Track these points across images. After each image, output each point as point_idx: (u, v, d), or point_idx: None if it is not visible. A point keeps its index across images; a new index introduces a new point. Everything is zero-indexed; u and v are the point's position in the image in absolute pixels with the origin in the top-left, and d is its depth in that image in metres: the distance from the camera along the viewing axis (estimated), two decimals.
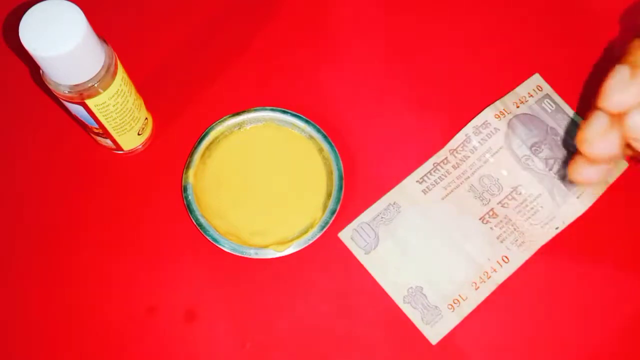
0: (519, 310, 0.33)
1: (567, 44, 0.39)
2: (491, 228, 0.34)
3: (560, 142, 0.36)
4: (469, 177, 0.36)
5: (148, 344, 0.33)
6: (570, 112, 0.37)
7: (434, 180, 0.35)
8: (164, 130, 0.37)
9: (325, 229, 0.34)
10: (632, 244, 0.35)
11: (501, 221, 0.35)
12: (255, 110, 0.36)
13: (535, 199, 0.35)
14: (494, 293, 0.33)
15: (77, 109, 0.31)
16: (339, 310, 0.33)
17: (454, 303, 0.33)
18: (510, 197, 0.35)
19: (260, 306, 0.33)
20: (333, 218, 0.34)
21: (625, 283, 0.34)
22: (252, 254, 0.33)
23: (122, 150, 0.36)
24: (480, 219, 0.35)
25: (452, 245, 0.34)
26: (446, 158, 0.36)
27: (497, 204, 0.35)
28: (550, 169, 0.36)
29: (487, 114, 0.37)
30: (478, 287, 0.33)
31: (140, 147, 0.36)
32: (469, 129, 0.36)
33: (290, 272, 0.34)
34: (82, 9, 0.27)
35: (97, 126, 0.32)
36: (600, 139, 0.29)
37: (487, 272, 0.33)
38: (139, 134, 0.35)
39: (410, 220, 0.35)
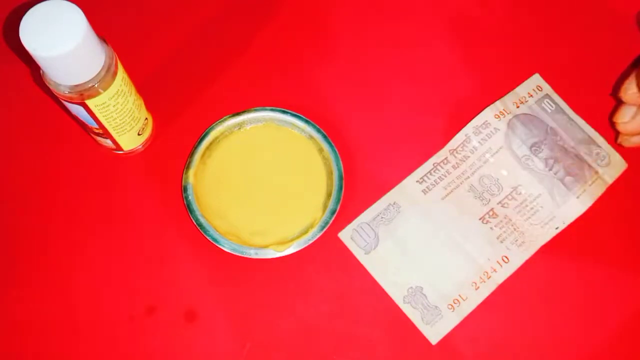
0: (519, 310, 0.33)
1: (567, 44, 0.39)
2: (491, 228, 0.34)
3: (560, 142, 0.36)
4: (468, 177, 0.36)
5: (148, 344, 0.33)
6: (570, 112, 0.37)
7: (434, 180, 0.35)
8: (164, 131, 0.37)
9: (325, 229, 0.34)
10: (632, 244, 0.35)
11: (501, 221, 0.35)
12: (255, 110, 0.36)
13: (535, 199, 0.35)
14: (494, 293, 0.33)
15: (77, 109, 0.31)
16: (339, 310, 0.33)
17: (454, 303, 0.33)
18: (510, 197, 0.35)
19: (260, 306, 0.33)
20: (333, 218, 0.34)
21: (625, 283, 0.34)
22: (252, 254, 0.33)
23: (122, 150, 0.36)
24: (480, 219, 0.35)
25: (452, 245, 0.34)
26: (446, 158, 0.36)
27: (497, 204, 0.35)
28: (550, 169, 0.36)
29: (487, 114, 0.37)
30: (478, 287, 0.33)
31: (141, 147, 0.36)
32: (469, 129, 0.36)
33: (290, 272, 0.34)
34: (82, 9, 0.27)
35: (97, 126, 0.32)
36: (631, 123, 0.35)
37: (487, 272, 0.34)
38: (139, 134, 0.35)
39: (410, 220, 0.35)
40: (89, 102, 0.30)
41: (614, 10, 0.41)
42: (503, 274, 0.34)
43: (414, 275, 0.34)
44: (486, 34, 0.40)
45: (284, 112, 0.36)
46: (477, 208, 0.35)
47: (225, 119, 0.36)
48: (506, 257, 0.34)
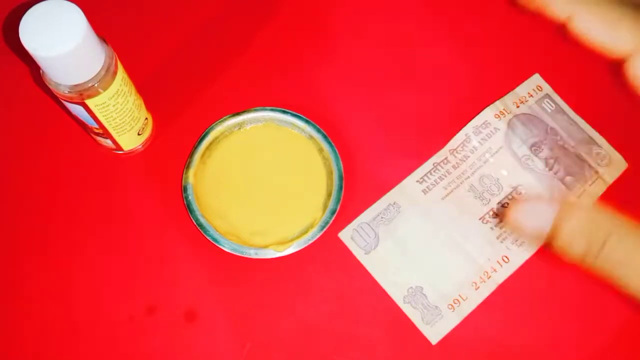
0: (519, 310, 0.33)
1: (567, 44, 0.39)
2: (491, 228, 0.34)
3: (560, 142, 0.36)
4: (468, 177, 0.36)
5: (148, 344, 0.33)
6: (571, 112, 0.37)
7: (434, 180, 0.35)
8: (164, 130, 0.37)
9: (325, 229, 0.34)
10: None
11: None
12: (255, 110, 0.36)
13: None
14: (494, 293, 0.33)
15: (77, 109, 0.31)
16: (339, 310, 0.33)
17: (454, 303, 0.33)
18: (510, 196, 0.35)
19: (260, 306, 0.33)
20: (333, 218, 0.34)
21: None
22: (252, 254, 0.33)
23: (122, 150, 0.36)
24: (480, 219, 0.35)
25: (452, 245, 0.34)
26: (446, 158, 0.36)
27: (497, 203, 0.35)
28: (550, 169, 0.36)
29: (487, 114, 0.37)
30: (478, 287, 0.33)
31: (140, 147, 0.36)
32: (469, 128, 0.36)
33: (290, 272, 0.34)
34: (82, 9, 0.27)
35: (97, 126, 0.32)
36: None
37: (487, 272, 0.33)
38: (139, 134, 0.35)
39: (410, 220, 0.35)
40: (88, 102, 0.30)
41: None
42: (503, 273, 0.34)
43: (414, 275, 0.34)
44: (486, 34, 0.40)
45: (284, 112, 0.36)
46: (477, 208, 0.35)
47: (225, 119, 0.36)
48: (506, 257, 0.34)
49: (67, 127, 0.37)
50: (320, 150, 0.36)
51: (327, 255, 0.34)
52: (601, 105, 0.37)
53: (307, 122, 0.36)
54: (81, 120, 0.32)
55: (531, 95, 0.37)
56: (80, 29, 0.27)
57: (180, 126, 0.37)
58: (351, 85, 0.38)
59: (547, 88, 0.38)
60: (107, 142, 0.35)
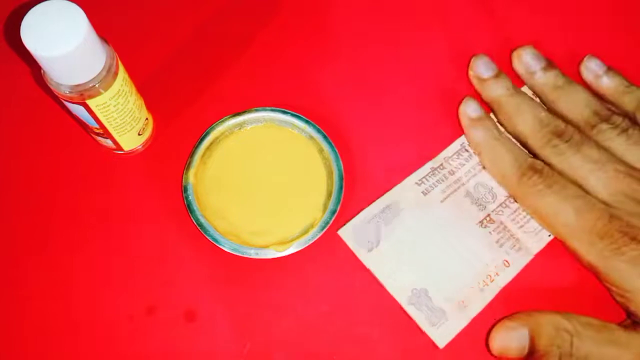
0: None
1: (567, 45, 0.39)
2: (490, 233, 0.34)
3: None
4: (464, 184, 0.35)
5: (148, 344, 0.33)
6: None
7: (432, 184, 0.35)
8: (165, 131, 0.37)
9: (325, 229, 0.34)
10: None
11: (498, 227, 0.34)
12: (256, 110, 0.36)
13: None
14: (498, 297, 0.33)
15: (78, 109, 0.31)
16: (339, 310, 0.33)
17: (460, 305, 0.33)
18: (504, 205, 0.35)
19: (261, 306, 0.33)
20: (333, 218, 0.34)
21: None
22: (253, 254, 0.33)
23: (122, 150, 0.36)
24: (478, 223, 0.35)
25: (455, 247, 0.34)
26: (442, 164, 0.36)
27: (492, 211, 0.35)
28: None
29: None
30: (482, 290, 0.33)
31: (141, 147, 0.36)
32: (465, 138, 0.36)
33: (291, 272, 0.34)
34: (83, 9, 0.27)
35: (97, 126, 0.32)
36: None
37: (490, 276, 0.33)
38: (139, 134, 0.35)
39: (411, 220, 0.34)
40: (89, 102, 0.30)
41: (614, 9, 0.41)
42: (505, 277, 0.33)
43: (418, 276, 0.33)
44: (487, 35, 0.40)
45: (284, 112, 0.36)
46: (475, 213, 0.35)
47: (225, 119, 0.36)
48: (507, 261, 0.34)
49: (68, 127, 0.37)
50: (321, 150, 0.36)
51: (327, 255, 0.34)
52: None
53: (307, 122, 0.36)
54: (82, 121, 0.32)
55: None
56: (82, 29, 0.27)
57: (181, 126, 0.37)
58: (351, 85, 0.38)
59: None
60: (108, 142, 0.35)
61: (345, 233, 0.34)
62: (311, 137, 0.36)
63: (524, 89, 0.38)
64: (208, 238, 0.33)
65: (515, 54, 0.38)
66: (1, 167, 0.36)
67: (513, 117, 0.35)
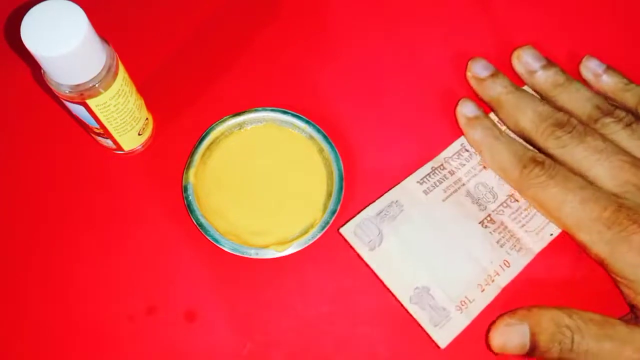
0: None
1: (567, 45, 0.39)
2: (490, 233, 0.34)
3: None
4: (464, 184, 0.35)
5: (148, 344, 0.33)
6: None
7: (433, 183, 0.35)
8: (165, 131, 0.37)
9: (325, 229, 0.34)
10: None
11: (498, 227, 0.34)
12: (256, 110, 0.36)
13: (530, 206, 0.35)
14: (499, 296, 0.33)
15: (78, 109, 0.31)
16: (340, 310, 0.33)
17: (462, 305, 0.33)
18: (505, 204, 0.35)
19: (261, 306, 0.33)
20: (333, 218, 0.34)
21: None
22: (253, 254, 0.33)
23: (122, 150, 0.36)
24: (480, 223, 0.35)
25: (456, 246, 0.34)
26: (442, 164, 0.36)
27: (493, 211, 0.35)
28: None
29: None
30: (484, 290, 0.33)
31: (141, 147, 0.36)
32: (464, 138, 0.36)
33: (291, 272, 0.34)
34: (83, 9, 0.27)
35: (97, 126, 0.32)
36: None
37: (490, 275, 0.33)
38: (139, 134, 0.35)
39: (413, 219, 0.34)
40: (89, 102, 0.30)
41: (613, 9, 0.41)
42: (506, 277, 0.33)
43: (420, 275, 0.33)
44: (486, 35, 0.40)
45: (284, 112, 0.36)
46: (476, 213, 0.35)
47: (225, 119, 0.36)
48: (507, 261, 0.34)
49: (67, 127, 0.37)
50: (321, 150, 0.36)
51: (328, 255, 0.34)
52: None
53: (307, 122, 0.36)
54: (82, 120, 0.32)
55: None
56: (82, 29, 0.27)
57: (181, 126, 0.37)
58: (351, 85, 0.38)
59: None
60: (108, 142, 0.35)
61: (348, 231, 0.34)
62: (311, 137, 0.36)
63: (525, 88, 0.38)
64: (208, 238, 0.33)
65: (515, 55, 0.38)
66: (1, 167, 0.36)
67: (514, 114, 0.35)
